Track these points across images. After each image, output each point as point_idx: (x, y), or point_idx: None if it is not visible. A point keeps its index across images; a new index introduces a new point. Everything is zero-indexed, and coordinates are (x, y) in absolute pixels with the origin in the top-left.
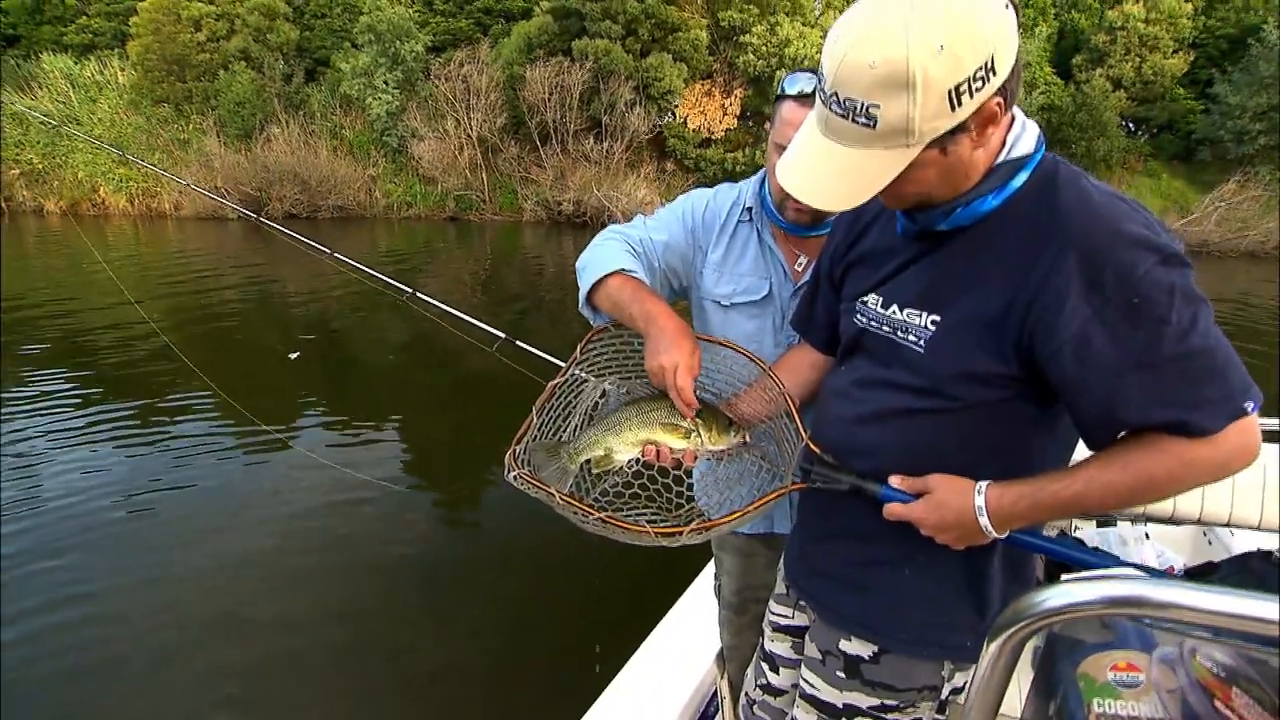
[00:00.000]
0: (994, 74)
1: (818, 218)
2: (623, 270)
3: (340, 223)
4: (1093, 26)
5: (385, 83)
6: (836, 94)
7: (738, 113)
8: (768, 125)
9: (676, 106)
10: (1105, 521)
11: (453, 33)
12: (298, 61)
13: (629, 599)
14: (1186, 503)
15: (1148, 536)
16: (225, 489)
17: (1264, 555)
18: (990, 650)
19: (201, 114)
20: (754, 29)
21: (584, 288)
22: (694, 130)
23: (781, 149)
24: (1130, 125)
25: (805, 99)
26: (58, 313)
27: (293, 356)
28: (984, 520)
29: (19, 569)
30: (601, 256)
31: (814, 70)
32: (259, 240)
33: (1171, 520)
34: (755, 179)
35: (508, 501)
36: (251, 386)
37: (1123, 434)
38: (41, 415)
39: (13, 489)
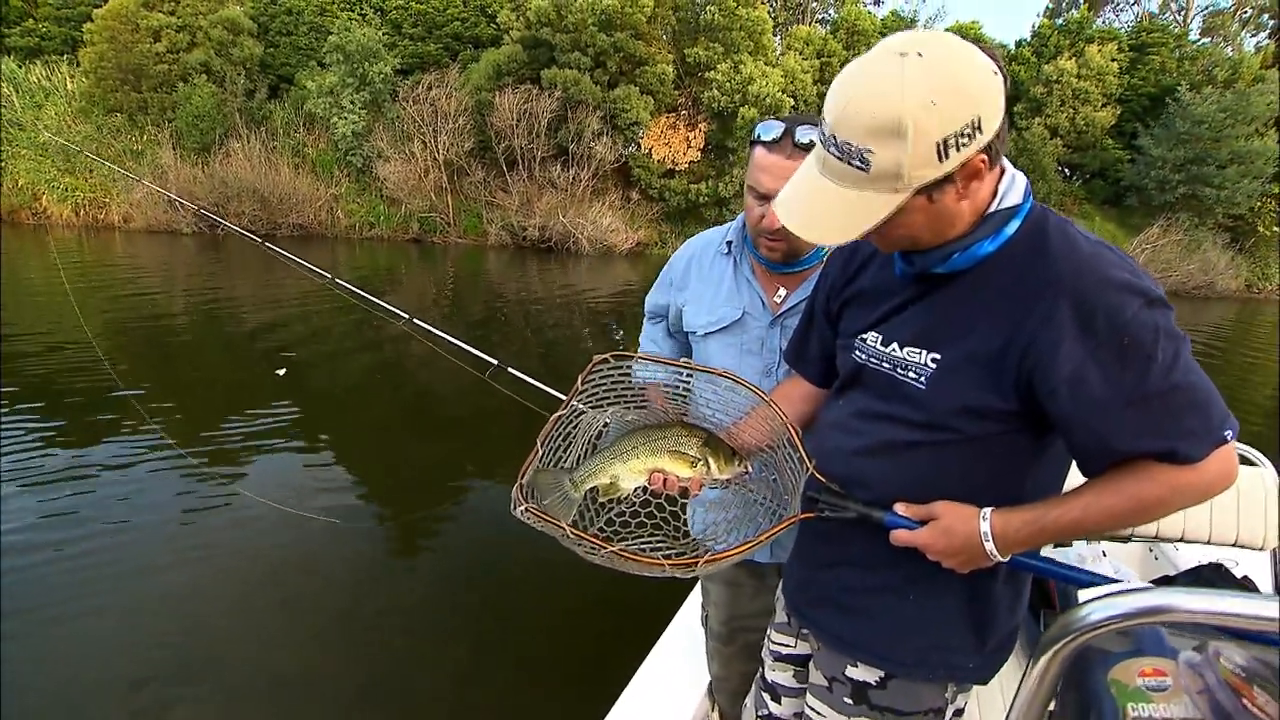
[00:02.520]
0: (980, 132)
1: (790, 255)
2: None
3: (300, 241)
4: (1031, 78)
5: (352, 103)
6: (835, 137)
7: (701, 146)
8: (739, 175)
9: (642, 138)
10: (1061, 541)
11: (421, 57)
12: (261, 77)
13: (614, 633)
14: (1168, 525)
15: (1104, 554)
16: (173, 523)
17: (1215, 567)
18: (1040, 664)
19: (157, 125)
20: (718, 67)
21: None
22: (659, 161)
23: (754, 190)
24: (1066, 171)
25: (775, 145)
26: None
27: (280, 373)
28: (990, 545)
29: None
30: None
31: (783, 120)
32: (215, 254)
33: (1130, 538)
34: (740, 218)
35: (486, 535)
36: (208, 406)
37: (1115, 461)
38: None
39: None
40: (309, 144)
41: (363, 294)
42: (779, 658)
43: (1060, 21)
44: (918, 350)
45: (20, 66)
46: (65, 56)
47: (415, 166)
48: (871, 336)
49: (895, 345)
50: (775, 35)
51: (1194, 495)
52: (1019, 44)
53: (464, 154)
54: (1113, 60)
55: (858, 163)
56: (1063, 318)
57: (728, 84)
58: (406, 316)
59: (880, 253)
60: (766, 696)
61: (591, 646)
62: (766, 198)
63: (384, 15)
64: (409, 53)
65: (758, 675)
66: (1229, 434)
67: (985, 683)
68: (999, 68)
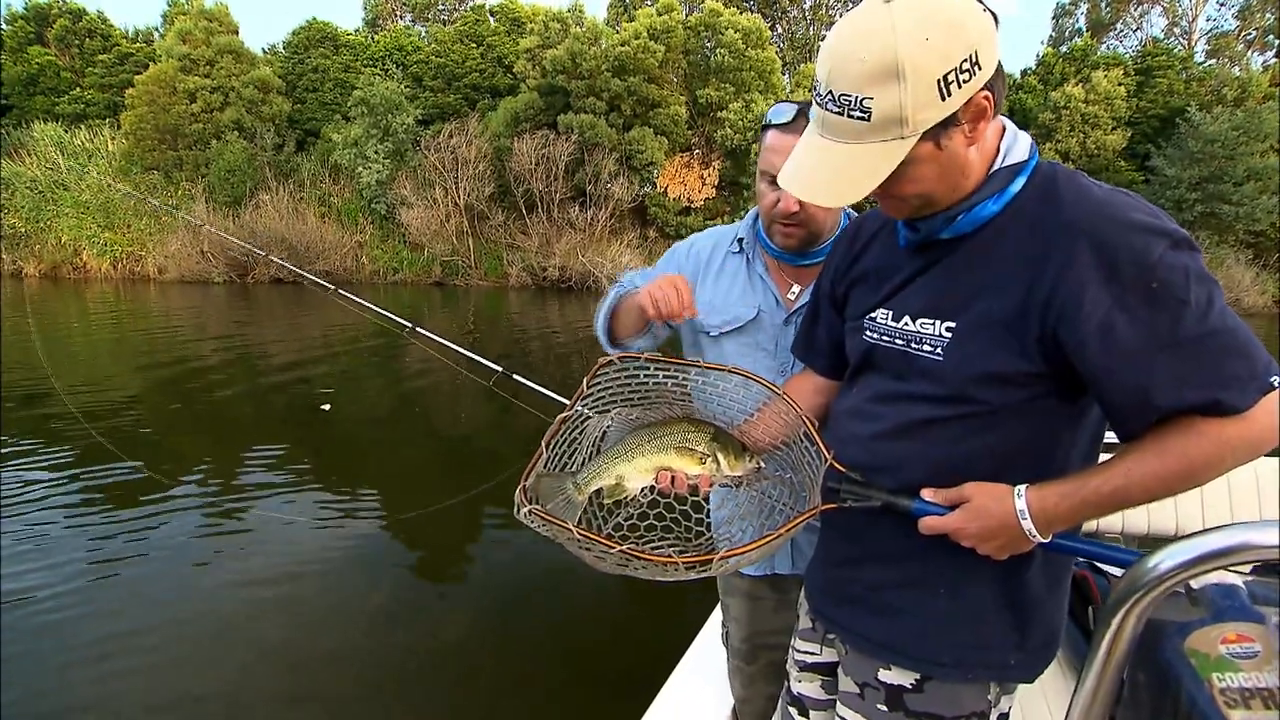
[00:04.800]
0: (979, 68)
1: (807, 242)
2: (622, 296)
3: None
4: (1039, 106)
5: (376, 153)
6: (832, 92)
7: (715, 183)
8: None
9: (658, 177)
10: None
11: (441, 107)
12: (289, 132)
13: (634, 654)
14: (1160, 519)
15: None
16: (199, 546)
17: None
18: (1110, 628)
19: (191, 181)
20: (730, 106)
21: (602, 332)
22: (674, 199)
23: (766, 175)
24: None
25: (788, 126)
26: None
27: (325, 408)
28: (1027, 524)
29: None
30: (604, 303)
31: (796, 102)
32: (244, 301)
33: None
34: (750, 214)
35: (490, 562)
36: (233, 448)
37: (1156, 420)
38: None
39: None
40: (335, 194)
41: (366, 304)
42: (805, 667)
43: (1064, 49)
44: (930, 321)
45: (67, 131)
46: (107, 120)
47: (437, 212)
48: (881, 314)
49: (906, 319)
50: (784, 74)
51: (1245, 451)
52: (1024, 73)
53: (484, 198)
54: (1119, 84)
55: (858, 113)
56: (1084, 264)
57: (739, 122)
58: (410, 326)
59: (884, 230)
60: (793, 711)
61: (610, 668)
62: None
63: (405, 69)
64: (430, 103)
65: (783, 689)
66: (1276, 380)
67: (1031, 681)
68: (986, 6)
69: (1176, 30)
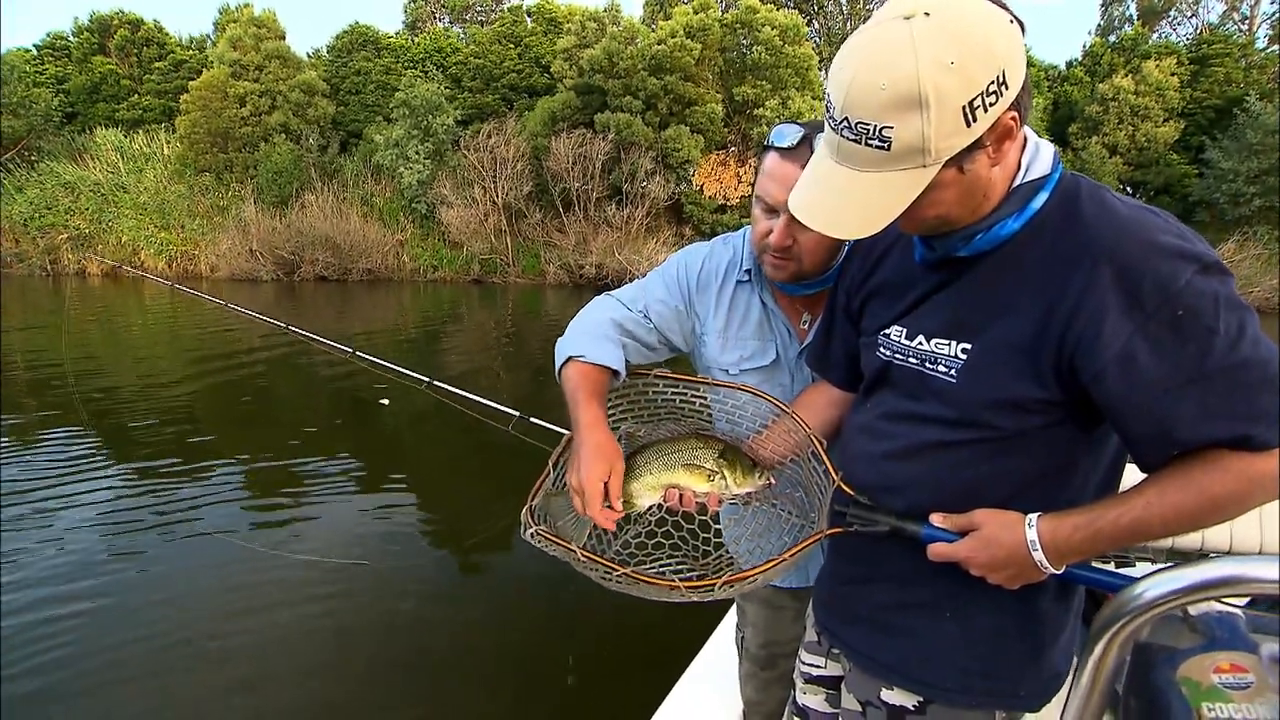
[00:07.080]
0: (1006, 88)
1: (798, 275)
2: (579, 358)
3: (369, 285)
4: (1085, 98)
5: (417, 153)
6: (847, 119)
7: (752, 180)
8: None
9: (694, 175)
10: (1123, 562)
11: (480, 107)
12: (333, 134)
13: (644, 652)
14: (1216, 535)
15: None
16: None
17: None
18: (1094, 654)
19: (240, 182)
20: (767, 103)
21: (556, 364)
22: (710, 197)
23: (761, 201)
24: (1128, 189)
25: (790, 152)
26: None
27: (384, 403)
28: (1039, 555)
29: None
30: (572, 338)
31: (801, 124)
32: (291, 301)
33: (1201, 553)
34: (746, 238)
35: (506, 556)
36: (256, 450)
37: (1178, 452)
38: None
39: None
40: (377, 193)
41: (383, 364)
42: (810, 679)
43: (1113, 39)
44: (946, 341)
45: (126, 136)
46: (163, 125)
47: (476, 211)
48: (896, 331)
49: (921, 338)
50: (821, 70)
51: (1275, 487)
52: (1070, 64)
53: (522, 197)
54: (1172, 74)
55: (876, 143)
56: (1105, 289)
57: (776, 119)
58: (427, 380)
59: (900, 242)
60: None
61: (622, 666)
62: (776, 210)
63: (445, 71)
64: (469, 104)
65: (790, 699)
66: None
67: (1038, 710)
68: (1013, 15)
69: (1235, 15)
